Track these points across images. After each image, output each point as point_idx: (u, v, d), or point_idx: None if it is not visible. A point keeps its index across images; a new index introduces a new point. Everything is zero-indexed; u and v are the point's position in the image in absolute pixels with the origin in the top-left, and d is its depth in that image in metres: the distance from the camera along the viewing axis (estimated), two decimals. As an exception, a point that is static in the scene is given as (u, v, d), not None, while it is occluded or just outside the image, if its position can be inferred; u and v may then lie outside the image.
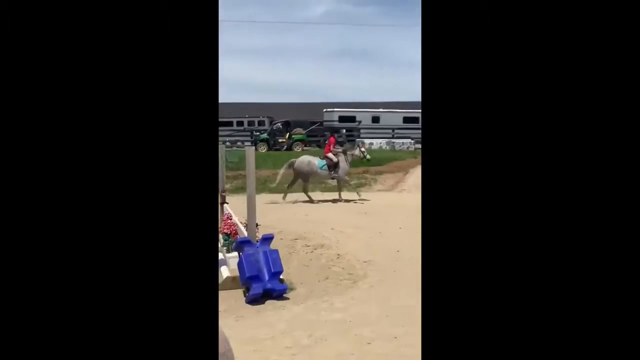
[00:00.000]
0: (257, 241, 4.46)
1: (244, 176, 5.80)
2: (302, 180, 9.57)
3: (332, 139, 9.97)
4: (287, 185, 9.65)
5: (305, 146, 20.16)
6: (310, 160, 9.67)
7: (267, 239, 4.51)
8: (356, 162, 10.55)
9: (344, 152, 9.73)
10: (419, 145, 20.70)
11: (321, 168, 9.46)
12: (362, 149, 10.05)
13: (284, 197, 9.44)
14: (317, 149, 17.40)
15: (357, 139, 10.61)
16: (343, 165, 9.58)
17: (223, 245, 4.97)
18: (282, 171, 9.79)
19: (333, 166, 9.44)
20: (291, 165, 9.67)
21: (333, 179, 9.58)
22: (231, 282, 4.47)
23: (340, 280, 4.74)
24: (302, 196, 9.81)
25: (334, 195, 9.90)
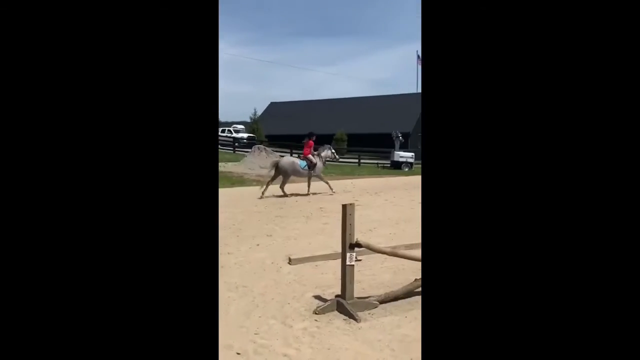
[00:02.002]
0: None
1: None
2: (283, 177, 10.64)
3: (311, 142, 11.07)
4: (266, 181, 10.63)
5: None
6: (294, 161, 10.92)
7: None
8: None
9: (319, 154, 11.10)
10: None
11: (303, 168, 10.73)
12: (332, 150, 11.63)
13: (262, 193, 10.22)
14: None
15: (326, 144, 12.13)
16: (319, 164, 10.97)
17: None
18: (269, 170, 10.83)
19: (313, 166, 10.75)
20: (275, 165, 10.72)
21: (311, 176, 10.83)
22: None
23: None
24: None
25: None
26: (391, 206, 8.81)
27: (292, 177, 10.75)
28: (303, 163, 10.70)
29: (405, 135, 27.03)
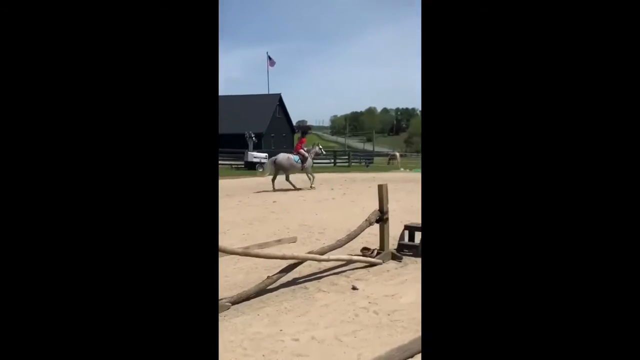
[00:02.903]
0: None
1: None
2: (284, 172, 11.86)
3: (303, 140, 12.58)
4: (272, 179, 11.81)
5: None
6: (289, 156, 12.00)
7: None
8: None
9: (309, 151, 12.47)
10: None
11: (296, 162, 11.93)
12: (319, 147, 13.16)
13: (273, 189, 11.41)
14: None
15: (314, 143, 13.57)
16: (309, 160, 12.31)
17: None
18: (267, 165, 12.26)
19: (304, 160, 12.09)
20: (274, 161, 11.86)
21: (302, 170, 12.18)
22: None
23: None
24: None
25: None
26: (245, 207, 8.85)
27: (286, 171, 11.93)
28: (296, 158, 11.97)
29: (259, 136, 27.31)
